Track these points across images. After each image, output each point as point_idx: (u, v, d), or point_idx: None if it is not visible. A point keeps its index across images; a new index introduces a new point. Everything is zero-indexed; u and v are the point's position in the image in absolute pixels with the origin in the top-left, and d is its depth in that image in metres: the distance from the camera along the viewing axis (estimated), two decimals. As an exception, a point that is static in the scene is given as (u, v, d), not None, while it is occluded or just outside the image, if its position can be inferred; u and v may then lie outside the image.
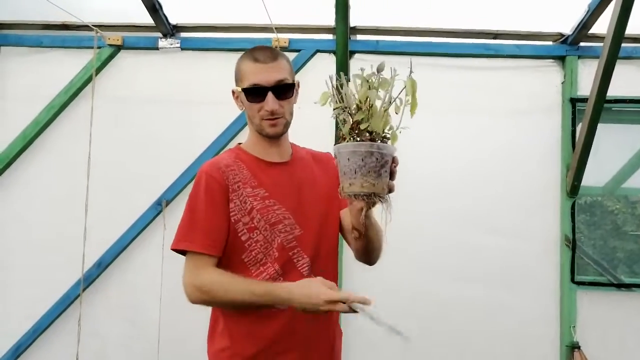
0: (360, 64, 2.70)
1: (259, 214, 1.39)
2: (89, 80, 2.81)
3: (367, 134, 1.15)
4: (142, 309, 2.77)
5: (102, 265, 2.78)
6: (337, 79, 1.19)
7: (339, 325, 1.60)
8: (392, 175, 1.19)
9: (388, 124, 1.17)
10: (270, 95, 1.38)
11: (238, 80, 1.45)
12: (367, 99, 1.15)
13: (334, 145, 1.20)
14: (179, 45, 2.81)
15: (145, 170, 2.80)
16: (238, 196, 1.40)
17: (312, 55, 2.79)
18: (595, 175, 2.90)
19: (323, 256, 1.48)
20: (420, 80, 2.90)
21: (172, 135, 2.82)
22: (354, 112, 1.16)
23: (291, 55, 2.77)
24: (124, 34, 2.84)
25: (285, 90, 1.41)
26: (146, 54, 2.85)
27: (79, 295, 2.74)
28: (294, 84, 1.45)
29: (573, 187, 2.67)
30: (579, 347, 2.60)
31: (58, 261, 2.79)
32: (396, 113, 1.17)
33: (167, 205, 2.76)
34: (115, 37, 2.81)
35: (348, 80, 1.20)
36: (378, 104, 1.16)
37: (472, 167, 2.78)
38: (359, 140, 1.15)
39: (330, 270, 1.50)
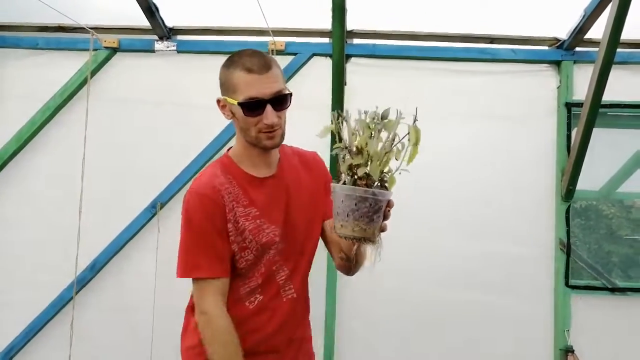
0: (356, 68, 2.77)
1: (251, 234, 1.38)
2: (84, 82, 2.80)
3: (364, 179, 1.15)
4: (135, 312, 2.76)
5: (96, 268, 2.76)
6: (339, 115, 1.19)
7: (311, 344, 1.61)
8: (385, 217, 1.20)
9: (387, 167, 1.18)
10: (269, 108, 1.33)
11: (229, 91, 1.37)
12: (367, 144, 1.15)
13: (332, 182, 1.21)
14: (175, 48, 2.81)
15: (140, 173, 2.80)
16: (233, 216, 1.37)
17: (309, 59, 2.79)
18: (591, 179, 2.91)
19: (302, 266, 1.49)
20: (416, 84, 2.93)
21: (167, 137, 2.81)
22: (353, 154, 1.16)
23: (287, 59, 2.78)
24: (120, 36, 2.83)
25: (283, 101, 1.36)
26: (142, 56, 2.84)
27: (71, 298, 2.72)
28: (290, 94, 1.40)
29: (568, 191, 2.67)
30: (572, 351, 2.60)
31: (51, 263, 2.78)
32: (396, 159, 1.18)
33: (161, 207, 2.75)
34: (111, 40, 2.81)
35: (345, 119, 1.19)
36: (379, 146, 1.17)
37: (467, 171, 2.79)
38: (355, 183, 1.15)
39: (304, 279, 1.53)
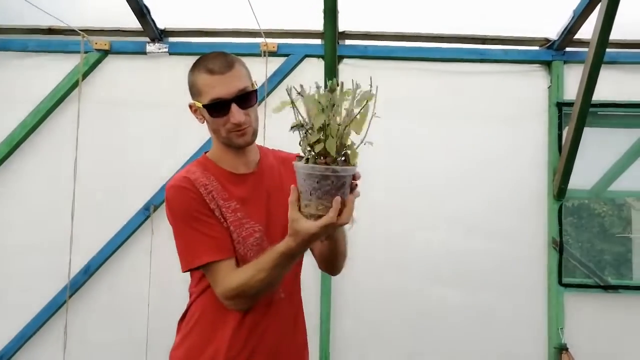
0: (348, 69, 2.78)
1: (232, 226, 1.35)
2: (75, 84, 2.79)
3: (323, 156, 1.10)
4: (130, 315, 2.74)
5: (89, 271, 2.75)
6: (295, 90, 1.13)
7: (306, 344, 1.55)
8: (352, 190, 1.16)
9: (348, 141, 1.12)
10: (234, 107, 1.31)
11: (195, 95, 1.36)
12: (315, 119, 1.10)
13: (294, 161, 1.16)
14: (167, 49, 2.80)
15: (132, 175, 2.79)
16: (216, 206, 1.35)
17: (301, 60, 2.80)
18: (582, 178, 2.93)
19: None
20: (407, 85, 2.94)
21: (160, 139, 2.81)
22: (309, 132, 1.11)
23: (280, 60, 2.78)
24: (112, 38, 2.82)
25: (248, 98, 1.34)
26: (134, 58, 2.83)
27: (65, 302, 2.70)
28: (255, 90, 1.37)
29: (560, 191, 2.69)
30: (566, 349, 2.62)
31: (44, 267, 2.76)
32: (356, 133, 1.12)
33: (155, 210, 2.74)
34: (102, 42, 2.79)
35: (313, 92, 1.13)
36: (323, 120, 1.10)
37: (459, 171, 2.80)
38: (315, 162, 1.11)
39: (294, 279, 1.47)
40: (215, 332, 1.38)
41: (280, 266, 1.25)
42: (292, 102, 1.12)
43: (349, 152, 1.13)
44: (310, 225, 1.14)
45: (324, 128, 1.09)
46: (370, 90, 1.15)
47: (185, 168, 1.44)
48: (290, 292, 1.46)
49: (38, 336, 2.75)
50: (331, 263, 1.47)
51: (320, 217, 1.12)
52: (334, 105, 1.11)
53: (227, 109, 1.31)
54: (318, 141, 1.10)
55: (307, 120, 1.12)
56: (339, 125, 1.11)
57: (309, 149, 1.12)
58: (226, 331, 1.36)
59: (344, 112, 1.12)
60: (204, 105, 1.33)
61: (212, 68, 1.31)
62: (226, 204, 1.36)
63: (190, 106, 1.40)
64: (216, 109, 1.32)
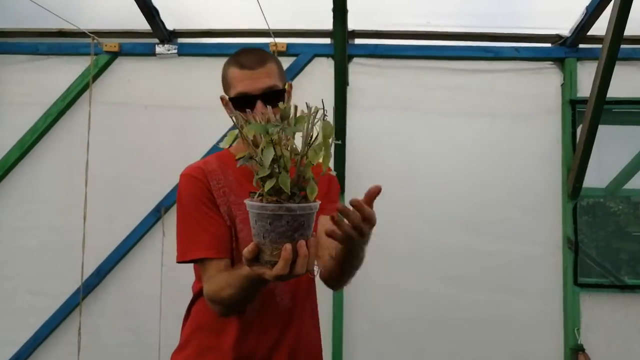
0: (358, 68, 2.76)
1: (242, 223, 1.33)
2: (86, 87, 2.79)
3: (274, 194, 0.96)
4: (142, 316, 2.75)
5: (102, 273, 2.75)
6: (241, 118, 1.01)
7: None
8: (359, 230, 1.01)
9: (308, 172, 0.99)
10: (259, 104, 1.30)
11: (225, 87, 1.38)
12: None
13: (245, 199, 1.01)
14: (176, 51, 2.80)
15: (143, 177, 2.79)
16: (225, 202, 1.34)
17: (310, 60, 2.78)
18: (597, 176, 2.89)
19: None
20: (419, 83, 2.91)
21: (170, 141, 2.80)
22: (258, 164, 0.96)
23: (289, 60, 2.76)
24: (121, 40, 2.83)
25: (275, 97, 1.32)
26: (143, 60, 2.83)
27: (78, 304, 2.71)
28: (284, 89, 1.36)
29: (574, 189, 2.65)
30: (583, 350, 2.58)
31: (57, 269, 2.77)
32: (312, 163, 0.97)
33: (165, 211, 2.74)
34: (112, 44, 2.80)
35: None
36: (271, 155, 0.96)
37: (472, 170, 2.77)
38: (266, 200, 0.96)
39: (306, 283, 1.44)
40: (215, 339, 1.36)
41: (245, 289, 1.19)
42: (241, 132, 0.99)
43: (306, 187, 0.98)
44: (263, 274, 0.99)
45: (275, 161, 0.95)
46: (325, 116, 0.97)
47: (204, 159, 1.45)
48: (298, 294, 1.42)
49: (52, 338, 2.76)
50: (333, 280, 1.33)
51: (275, 263, 0.95)
52: (286, 134, 0.96)
53: (252, 104, 1.30)
54: (269, 176, 0.96)
55: (254, 152, 0.98)
56: (295, 155, 0.97)
57: (259, 185, 0.97)
58: (226, 339, 1.34)
59: (299, 140, 0.98)
60: (230, 98, 1.34)
61: (243, 62, 1.32)
62: (239, 200, 1.33)
63: (222, 99, 1.41)
64: (240, 103, 1.31)
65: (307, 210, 0.96)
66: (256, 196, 1.00)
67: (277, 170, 0.96)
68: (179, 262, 1.34)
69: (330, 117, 1.02)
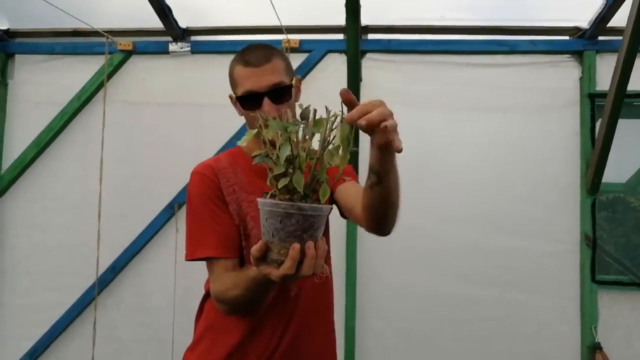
0: (372, 64, 2.74)
1: (252, 221, 1.32)
2: (100, 85, 2.82)
3: (287, 192, 0.97)
4: (156, 312, 2.78)
5: (116, 269, 2.78)
6: (261, 117, 1.03)
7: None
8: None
9: (323, 175, 0.98)
10: (266, 101, 1.29)
11: (232, 86, 1.37)
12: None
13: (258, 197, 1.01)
14: (189, 48, 2.81)
15: (157, 174, 2.80)
16: (234, 200, 1.33)
17: (323, 56, 2.77)
18: (617, 171, 2.82)
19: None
20: (434, 78, 2.88)
21: (183, 138, 2.82)
22: (274, 163, 0.98)
23: (302, 56, 2.75)
24: (135, 39, 2.84)
25: (282, 93, 1.31)
26: (157, 58, 2.85)
27: (93, 299, 2.75)
28: (291, 85, 1.34)
29: (593, 185, 2.60)
30: (600, 348, 2.53)
31: (73, 265, 2.81)
32: (329, 164, 0.97)
33: (179, 208, 2.76)
34: (126, 43, 2.82)
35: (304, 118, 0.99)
36: (310, 150, 0.98)
37: (488, 166, 2.73)
38: (279, 198, 0.97)
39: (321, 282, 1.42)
40: (226, 337, 1.36)
41: (252, 291, 1.18)
42: (259, 132, 1.02)
43: (319, 189, 0.98)
44: (269, 273, 0.98)
45: (291, 160, 0.96)
46: (342, 120, 0.97)
47: (215, 156, 1.44)
48: (314, 291, 1.41)
49: (68, 332, 2.81)
50: (382, 217, 1.23)
51: (283, 262, 0.95)
52: (305, 135, 0.97)
53: (259, 102, 1.29)
54: (283, 174, 0.96)
55: (270, 150, 0.99)
56: (311, 157, 0.97)
57: (271, 183, 0.99)
58: (235, 336, 1.34)
59: (317, 142, 0.99)
60: (237, 97, 1.33)
61: (248, 60, 1.30)
62: (249, 197, 1.33)
63: (230, 97, 1.39)
64: (248, 101, 1.30)
65: (318, 211, 0.96)
66: (268, 196, 1.00)
67: (291, 170, 0.96)
68: (187, 260, 1.34)
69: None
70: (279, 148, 0.96)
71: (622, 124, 2.51)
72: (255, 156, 1.01)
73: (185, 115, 2.82)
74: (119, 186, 2.78)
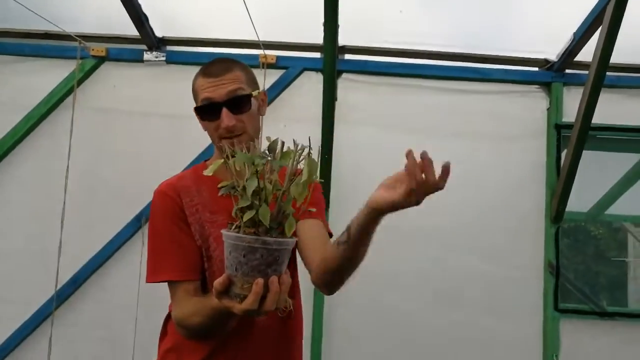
0: (347, 84, 2.75)
1: (215, 242, 1.28)
2: (70, 91, 2.75)
3: (252, 225, 0.95)
4: (117, 329, 2.68)
5: (77, 282, 2.68)
6: (228, 148, 1.02)
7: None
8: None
9: (288, 208, 0.97)
10: (224, 111, 1.24)
11: (195, 98, 1.33)
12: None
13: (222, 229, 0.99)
14: (164, 58, 2.77)
15: (125, 185, 2.73)
16: (197, 220, 1.29)
17: (300, 74, 2.77)
18: (579, 200, 2.91)
19: None
20: (408, 101, 2.91)
21: (154, 149, 2.76)
22: (240, 195, 0.96)
23: (278, 73, 2.75)
24: (109, 45, 2.79)
25: (241, 102, 1.27)
26: (131, 66, 2.80)
27: (51, 314, 2.63)
28: (250, 94, 1.29)
29: (557, 213, 2.66)
30: (562, 376, 2.58)
31: (31, 277, 2.69)
32: (295, 199, 0.96)
33: (146, 221, 2.68)
34: (99, 48, 2.76)
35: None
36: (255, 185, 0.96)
37: (455, 190, 2.72)
38: (243, 231, 0.95)
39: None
40: (190, 356, 1.31)
41: (213, 320, 1.15)
42: (226, 161, 1.00)
43: (284, 222, 0.97)
44: (232, 307, 0.96)
45: (257, 192, 0.95)
46: (310, 154, 0.98)
47: (179, 174, 1.40)
48: (276, 316, 1.34)
49: (21, 348, 2.68)
50: (338, 279, 1.24)
51: (245, 297, 0.94)
52: (272, 167, 0.96)
53: (218, 112, 1.25)
54: (249, 207, 0.94)
55: (237, 182, 0.98)
56: (278, 189, 0.96)
57: (238, 216, 0.96)
58: (200, 355, 1.29)
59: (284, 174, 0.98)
60: (195, 108, 1.29)
61: (209, 71, 1.28)
62: (212, 218, 1.29)
63: (194, 110, 1.33)
64: (206, 111, 1.27)
65: (283, 245, 0.95)
66: (233, 227, 0.97)
67: (257, 202, 0.95)
68: (148, 282, 1.30)
69: (315, 156, 1.01)
70: (246, 180, 0.95)
71: (586, 155, 2.59)
72: (221, 187, 0.99)
73: (158, 126, 2.78)
74: (84, 195, 2.69)
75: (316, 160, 0.99)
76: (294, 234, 1.05)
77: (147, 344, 2.58)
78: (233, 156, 0.98)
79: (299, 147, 0.97)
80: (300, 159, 0.97)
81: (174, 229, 1.28)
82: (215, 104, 1.26)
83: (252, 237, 0.93)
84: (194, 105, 1.35)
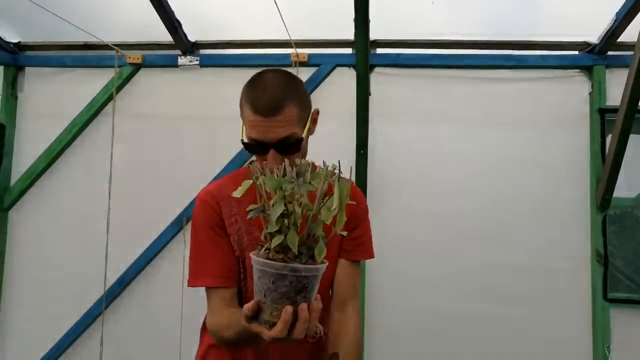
0: (380, 78, 2.73)
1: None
2: (109, 98, 2.83)
3: (280, 250, 0.92)
4: (163, 326, 2.75)
5: (124, 283, 2.77)
6: (257, 170, 0.98)
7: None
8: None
9: (318, 231, 0.95)
10: (271, 153, 1.19)
11: (242, 116, 1.25)
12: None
13: (251, 252, 0.97)
14: (198, 62, 2.81)
15: (165, 188, 2.80)
16: (236, 231, 1.31)
17: (332, 70, 2.76)
18: (626, 186, 2.79)
19: None
20: (442, 92, 2.87)
21: (192, 152, 2.82)
22: (267, 220, 0.94)
23: (310, 70, 2.76)
24: (144, 52, 2.86)
25: (290, 147, 1.21)
26: (166, 71, 2.86)
27: (101, 313, 2.73)
28: (301, 138, 1.23)
29: (604, 201, 2.57)
30: (613, 368, 2.49)
31: (80, 279, 2.80)
32: (325, 222, 0.93)
33: (187, 222, 2.75)
34: (135, 56, 2.83)
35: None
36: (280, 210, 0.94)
37: (497, 181, 2.71)
38: (272, 257, 0.93)
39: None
40: (232, 354, 1.36)
41: (244, 337, 1.14)
42: (254, 182, 0.97)
43: (314, 246, 0.94)
44: (261, 333, 0.95)
45: (286, 216, 0.92)
46: (340, 174, 0.95)
47: (219, 181, 1.40)
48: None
49: (75, 347, 2.79)
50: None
51: (274, 324, 0.92)
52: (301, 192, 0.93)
53: (265, 151, 1.21)
54: (277, 231, 0.92)
55: (266, 205, 0.96)
56: (309, 209, 0.93)
57: (267, 240, 0.94)
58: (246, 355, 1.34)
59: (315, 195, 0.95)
60: (241, 141, 1.25)
61: (257, 106, 1.18)
62: (250, 229, 1.31)
63: (242, 142, 1.30)
64: (252, 149, 1.23)
65: (312, 272, 0.92)
66: (263, 250, 0.96)
67: (286, 227, 0.93)
68: (189, 286, 1.34)
69: (347, 175, 1.00)
70: (272, 205, 0.92)
71: (632, 139, 2.48)
72: (250, 210, 0.98)
73: (194, 129, 2.83)
74: (127, 199, 2.78)
75: (348, 181, 0.95)
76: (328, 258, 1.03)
77: (193, 340, 2.63)
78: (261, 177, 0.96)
79: (329, 168, 0.95)
80: (329, 179, 0.94)
81: (214, 236, 1.31)
82: (263, 144, 1.20)
83: (280, 263, 0.90)
84: (238, 112, 1.32)
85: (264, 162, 1.21)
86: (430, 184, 2.72)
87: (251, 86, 1.24)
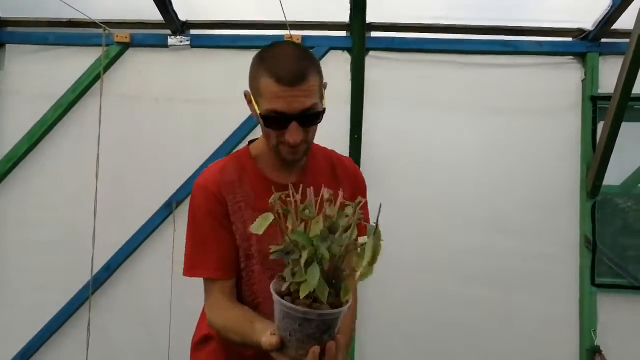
0: (374, 62, 2.70)
1: (257, 243, 1.26)
2: (96, 78, 2.74)
3: (309, 297, 0.91)
4: (152, 312, 2.71)
5: (111, 268, 2.71)
6: (280, 204, 0.95)
7: None
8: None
9: (341, 273, 0.94)
10: (294, 125, 1.14)
11: (254, 91, 1.19)
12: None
13: (272, 286, 0.96)
14: (188, 42, 2.74)
15: (154, 171, 2.74)
16: (239, 218, 1.26)
17: (326, 53, 2.72)
18: (612, 173, 2.83)
19: None
20: (437, 77, 2.85)
21: (182, 134, 2.75)
22: (293, 265, 0.92)
23: (303, 53, 2.70)
24: (132, 31, 2.76)
25: (313, 118, 1.16)
26: (155, 51, 2.77)
27: (87, 299, 2.67)
28: (324, 109, 1.18)
29: (594, 187, 2.60)
30: (599, 351, 2.55)
31: (66, 264, 2.73)
32: (355, 269, 0.91)
33: (177, 206, 2.70)
34: (123, 35, 2.74)
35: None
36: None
37: (488, 166, 2.72)
38: (296, 302, 0.90)
39: None
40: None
41: (250, 346, 1.12)
42: (277, 217, 0.95)
43: (341, 285, 0.93)
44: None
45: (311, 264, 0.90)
46: (377, 227, 0.91)
47: (220, 164, 1.33)
48: None
49: (60, 334, 2.73)
50: None
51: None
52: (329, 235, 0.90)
53: (285, 124, 1.15)
54: (303, 283, 0.89)
55: (293, 247, 0.93)
56: (335, 255, 0.90)
57: (291, 282, 0.92)
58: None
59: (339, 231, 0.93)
60: (260, 114, 1.17)
61: (281, 75, 1.11)
62: (255, 215, 1.23)
63: (245, 95, 1.24)
64: (273, 121, 1.16)
65: (338, 314, 0.92)
66: (285, 286, 0.92)
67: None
68: (185, 275, 1.30)
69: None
70: (304, 263, 0.88)
71: (622, 127, 2.50)
72: (273, 252, 0.95)
73: (184, 110, 2.76)
74: (114, 182, 2.71)
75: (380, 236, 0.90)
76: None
77: (182, 326, 2.60)
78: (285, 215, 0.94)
79: (358, 204, 0.92)
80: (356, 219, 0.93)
81: (216, 225, 1.26)
82: (285, 116, 1.14)
83: (309, 309, 0.89)
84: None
85: (284, 133, 1.16)
86: (421, 168, 2.72)
87: (270, 57, 1.16)
